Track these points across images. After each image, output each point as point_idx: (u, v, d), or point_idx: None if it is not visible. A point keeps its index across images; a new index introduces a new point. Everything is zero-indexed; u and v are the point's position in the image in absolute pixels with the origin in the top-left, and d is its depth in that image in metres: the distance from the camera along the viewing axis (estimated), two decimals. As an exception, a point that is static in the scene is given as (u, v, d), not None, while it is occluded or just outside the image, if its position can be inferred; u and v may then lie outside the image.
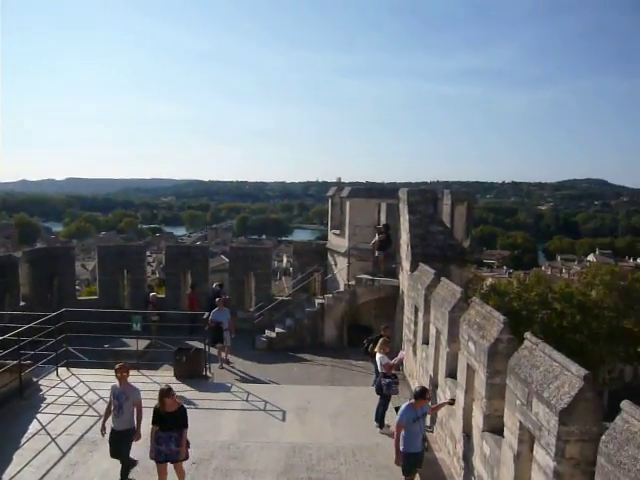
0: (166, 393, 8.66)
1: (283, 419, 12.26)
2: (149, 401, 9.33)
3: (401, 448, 8.88)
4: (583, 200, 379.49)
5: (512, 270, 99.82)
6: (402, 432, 8.86)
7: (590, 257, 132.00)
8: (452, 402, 10.02)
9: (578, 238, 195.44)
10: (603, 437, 4.96)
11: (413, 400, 8.98)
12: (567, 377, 5.86)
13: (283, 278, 59.07)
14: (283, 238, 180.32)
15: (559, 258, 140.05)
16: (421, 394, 9.02)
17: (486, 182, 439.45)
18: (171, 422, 8.66)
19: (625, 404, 4.89)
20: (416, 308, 14.55)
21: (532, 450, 6.45)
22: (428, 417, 10.78)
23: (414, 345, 15.00)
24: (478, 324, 9.02)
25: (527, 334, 7.28)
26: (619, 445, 4.68)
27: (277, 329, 20.06)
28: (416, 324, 14.64)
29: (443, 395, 11.28)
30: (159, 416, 8.68)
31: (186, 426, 8.81)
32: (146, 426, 8.99)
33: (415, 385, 14.45)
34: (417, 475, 9.31)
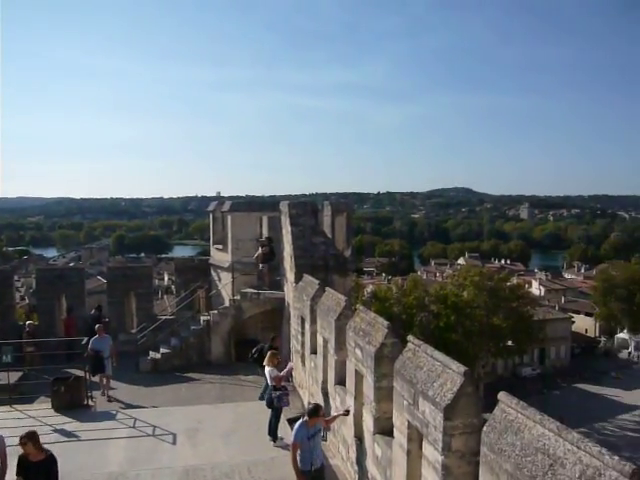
0: (28, 438, 7.44)
1: (174, 442, 11.83)
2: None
3: (300, 467, 8.86)
4: (451, 207, 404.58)
5: (391, 276, 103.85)
6: (298, 451, 8.82)
7: (460, 260, 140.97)
8: (347, 413, 10.06)
9: (449, 243, 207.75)
10: (484, 428, 5.29)
11: (307, 418, 8.99)
12: (449, 375, 6.20)
13: (165, 297, 57.27)
14: (163, 255, 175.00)
15: (433, 263, 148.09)
16: (314, 412, 9.03)
17: (363, 193, 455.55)
18: (36, 474, 7.45)
19: (502, 395, 5.25)
20: (302, 319, 14.68)
21: (421, 447, 6.72)
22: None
23: (302, 356, 15.12)
24: (364, 330, 9.28)
25: (410, 337, 7.61)
26: (499, 434, 5.02)
27: (162, 349, 19.36)
28: (303, 335, 14.77)
29: (334, 403, 11.45)
30: (23, 466, 7.51)
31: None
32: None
33: (306, 396, 14.58)
34: None
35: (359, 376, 9.49)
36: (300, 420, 9.14)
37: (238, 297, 19.49)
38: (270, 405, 11.92)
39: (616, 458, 3.83)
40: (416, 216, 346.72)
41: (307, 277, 15.03)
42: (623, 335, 77.64)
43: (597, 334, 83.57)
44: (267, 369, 12.15)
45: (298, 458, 8.83)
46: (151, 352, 19.26)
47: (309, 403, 10.42)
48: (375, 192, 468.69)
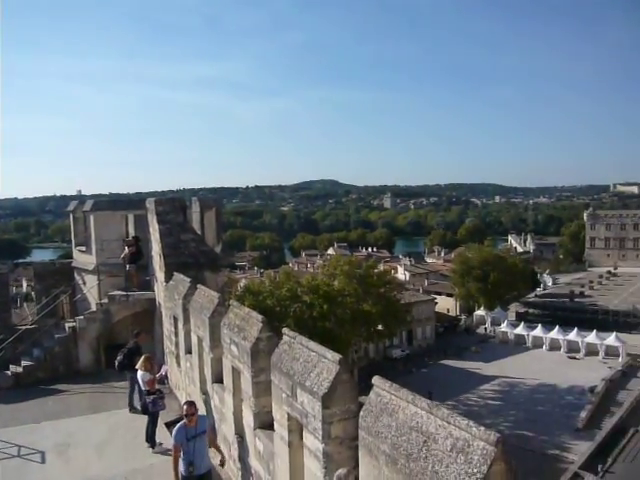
0: None
1: (43, 461, 11.00)
2: None
3: (181, 470, 8.55)
4: (319, 199, 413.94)
5: (263, 270, 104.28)
6: (180, 454, 8.53)
7: (330, 250, 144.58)
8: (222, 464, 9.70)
9: (318, 234, 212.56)
10: (361, 412, 5.42)
11: (185, 419, 8.72)
12: (324, 364, 6.29)
13: (25, 305, 52.97)
14: (20, 260, 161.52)
15: (303, 254, 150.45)
16: (189, 410, 8.77)
17: (231, 187, 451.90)
18: None
19: (376, 379, 5.41)
20: (175, 318, 14.25)
21: (302, 437, 6.78)
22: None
23: (177, 356, 14.67)
24: (238, 326, 9.17)
25: (285, 329, 7.63)
26: (375, 417, 5.17)
27: (24, 362, 17.85)
28: (177, 335, 14.34)
29: (213, 402, 11.24)
30: None
31: None
32: None
33: (183, 397, 14.17)
34: None
35: (236, 372, 9.38)
36: (182, 422, 8.86)
37: (105, 300, 18.48)
38: (145, 411, 11.47)
39: (482, 429, 4.08)
40: (285, 209, 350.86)
41: (178, 275, 14.59)
42: (480, 312, 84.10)
43: (458, 313, 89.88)
44: (139, 373, 11.66)
45: (180, 462, 8.55)
46: (11, 366, 17.72)
47: (184, 404, 10.08)
48: (244, 186, 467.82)
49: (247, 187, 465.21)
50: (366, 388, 5.69)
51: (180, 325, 13.67)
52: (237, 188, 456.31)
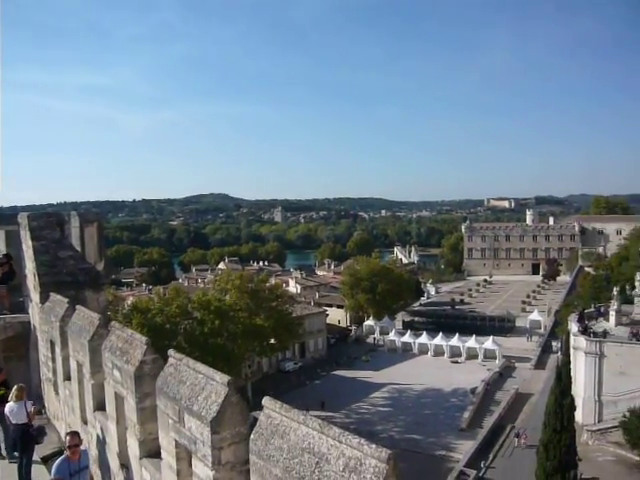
0: None
1: None
2: None
3: None
4: (209, 213, 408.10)
5: (151, 286, 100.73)
6: None
7: (221, 265, 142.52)
8: None
9: (208, 249, 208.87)
10: (252, 436, 5.23)
11: (67, 452, 8.02)
12: (213, 386, 6.03)
13: None
14: None
15: (194, 269, 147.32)
16: (72, 441, 8.11)
17: (117, 201, 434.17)
18: None
19: (266, 400, 5.24)
20: (52, 343, 13.25)
21: (191, 465, 6.45)
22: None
23: (55, 383, 13.66)
24: (121, 349, 8.65)
25: (170, 351, 7.27)
26: (266, 440, 5.00)
27: None
28: (54, 360, 13.34)
29: (94, 431, 10.51)
30: None
31: None
32: None
33: (62, 428, 13.21)
34: None
35: (120, 399, 8.81)
36: (63, 455, 8.13)
37: (-30, 326, 16.86)
38: (15, 448, 10.53)
39: (373, 446, 4.03)
40: (174, 223, 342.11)
41: (55, 296, 13.60)
42: (370, 322, 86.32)
43: (348, 324, 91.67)
44: (14, 406, 10.68)
45: None
46: None
47: (67, 434, 9.30)
48: (130, 200, 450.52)
49: (134, 201, 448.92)
50: (260, 403, 5.51)
51: (58, 350, 12.72)
52: (123, 202, 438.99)
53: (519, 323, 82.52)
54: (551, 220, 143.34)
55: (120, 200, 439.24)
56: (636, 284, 50.93)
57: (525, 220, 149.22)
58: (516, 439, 44.22)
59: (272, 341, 59.79)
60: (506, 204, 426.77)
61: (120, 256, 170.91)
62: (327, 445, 4.41)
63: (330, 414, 52.70)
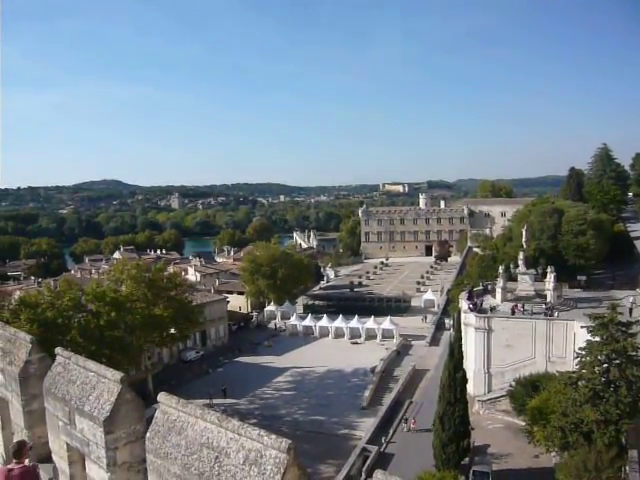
0: None
1: None
2: None
3: None
4: (102, 201, 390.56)
5: (41, 279, 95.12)
6: None
7: (116, 255, 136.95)
8: None
9: (102, 238, 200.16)
10: (147, 434, 5.04)
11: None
12: (105, 384, 5.75)
13: None
14: None
15: (87, 259, 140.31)
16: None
17: (0, 189, 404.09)
18: None
19: (161, 396, 5.07)
20: None
21: (85, 468, 6.14)
22: None
23: None
24: (3, 349, 8.05)
25: (58, 349, 6.85)
26: (163, 437, 4.83)
27: None
28: None
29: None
30: None
31: None
32: None
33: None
34: None
35: (4, 402, 8.23)
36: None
37: None
38: None
39: (273, 437, 4.01)
40: (64, 211, 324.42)
41: None
42: (271, 307, 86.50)
43: (249, 310, 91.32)
44: None
45: None
46: None
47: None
48: (15, 187, 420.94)
49: (19, 188, 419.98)
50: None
51: None
52: (7, 190, 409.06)
53: (414, 303, 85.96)
54: (442, 204, 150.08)
55: (3, 188, 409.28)
56: (519, 262, 54.51)
57: (419, 204, 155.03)
58: (404, 424, 45.09)
59: (172, 331, 58.35)
60: (400, 188, 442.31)
61: (5, 248, 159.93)
62: (226, 439, 4.33)
63: (234, 401, 52.42)
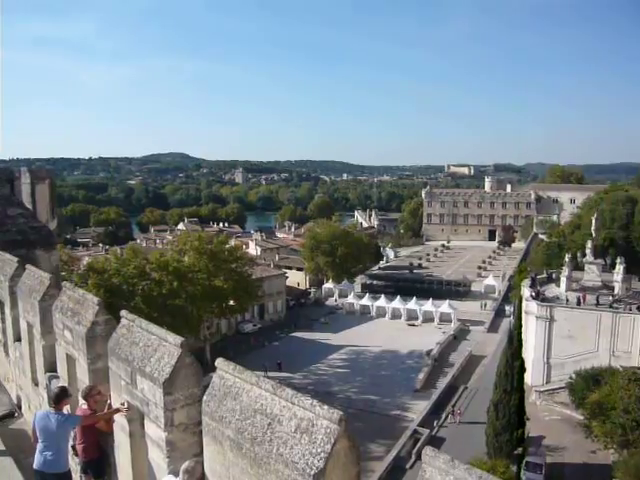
0: None
1: None
2: None
3: (34, 464, 7.41)
4: (169, 173, 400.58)
5: (108, 246, 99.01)
6: (37, 445, 7.36)
7: (180, 226, 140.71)
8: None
9: (167, 209, 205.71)
10: (204, 397, 5.18)
11: (52, 406, 7.44)
12: (166, 348, 5.93)
13: None
14: None
15: (152, 230, 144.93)
16: (62, 394, 7.52)
17: (73, 158, 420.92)
18: None
19: (219, 362, 5.19)
20: (1, 303, 12.88)
21: (144, 427, 6.38)
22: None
23: (5, 345, 13.33)
24: (72, 310, 8.43)
25: (123, 312, 7.11)
26: (219, 401, 4.96)
27: None
28: (4, 321, 12.99)
29: (45, 393, 10.32)
30: None
31: None
32: None
33: (14, 390, 12.97)
34: None
35: (71, 360, 8.63)
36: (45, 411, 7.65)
37: None
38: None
39: (325, 408, 4.03)
40: (133, 182, 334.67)
41: (3, 255, 13.16)
42: (329, 285, 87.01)
43: (308, 286, 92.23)
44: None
45: (37, 455, 7.35)
46: None
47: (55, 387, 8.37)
48: (87, 157, 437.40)
49: (90, 158, 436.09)
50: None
51: (7, 310, 12.38)
52: (79, 159, 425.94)
53: (475, 288, 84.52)
54: (508, 188, 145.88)
55: (76, 158, 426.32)
56: (587, 252, 52.54)
57: (484, 187, 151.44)
58: (451, 415, 44.07)
59: (231, 303, 59.72)
60: (466, 171, 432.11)
61: (76, 215, 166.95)
62: (279, 406, 4.40)
63: (288, 375, 53.33)
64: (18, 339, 12.00)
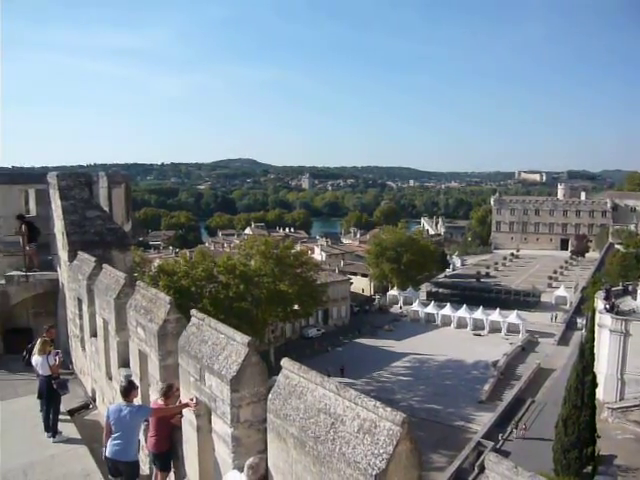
0: None
1: None
2: None
3: (106, 452, 7.87)
4: (237, 178, 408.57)
5: (178, 249, 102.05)
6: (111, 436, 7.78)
7: (247, 230, 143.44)
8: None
9: (235, 214, 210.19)
10: (270, 395, 5.31)
11: (124, 399, 7.89)
12: (233, 346, 6.12)
13: None
14: None
15: (220, 234, 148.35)
16: (130, 386, 7.98)
17: (146, 164, 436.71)
18: None
19: (285, 361, 5.31)
20: (79, 300, 13.55)
21: (211, 422, 6.59)
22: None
23: (82, 340, 14.00)
24: (145, 308, 8.80)
25: (193, 311, 7.37)
26: (284, 400, 5.07)
27: None
28: (81, 317, 13.66)
29: (118, 386, 10.79)
30: None
31: None
32: None
33: (89, 383, 13.61)
34: None
35: (143, 356, 9.01)
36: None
37: (3, 281, 17.29)
38: (41, 396, 10.87)
39: (389, 409, 4.06)
40: (202, 187, 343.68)
41: (82, 255, 13.85)
42: (393, 292, 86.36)
43: (372, 293, 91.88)
44: (39, 359, 10.99)
45: (108, 444, 7.78)
46: None
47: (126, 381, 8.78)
48: (159, 163, 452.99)
49: (162, 164, 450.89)
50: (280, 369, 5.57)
51: (85, 307, 13.02)
52: (152, 165, 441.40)
53: (545, 298, 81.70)
54: (583, 195, 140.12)
55: (149, 163, 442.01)
56: (667, 263, 49.89)
57: (556, 194, 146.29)
58: (515, 430, 42.32)
59: (296, 307, 60.28)
60: (537, 177, 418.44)
61: (148, 219, 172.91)
62: (343, 407, 4.45)
63: (350, 381, 53.19)
64: (94, 335, 12.60)
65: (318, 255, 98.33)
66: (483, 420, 44.55)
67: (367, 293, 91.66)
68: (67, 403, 11.77)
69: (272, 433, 5.26)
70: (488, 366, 56.89)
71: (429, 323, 74.76)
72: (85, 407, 12.95)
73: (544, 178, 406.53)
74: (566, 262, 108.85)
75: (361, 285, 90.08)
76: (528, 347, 63.59)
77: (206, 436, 6.86)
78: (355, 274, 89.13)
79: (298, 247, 78.71)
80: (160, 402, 7.75)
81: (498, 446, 40.14)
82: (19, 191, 18.59)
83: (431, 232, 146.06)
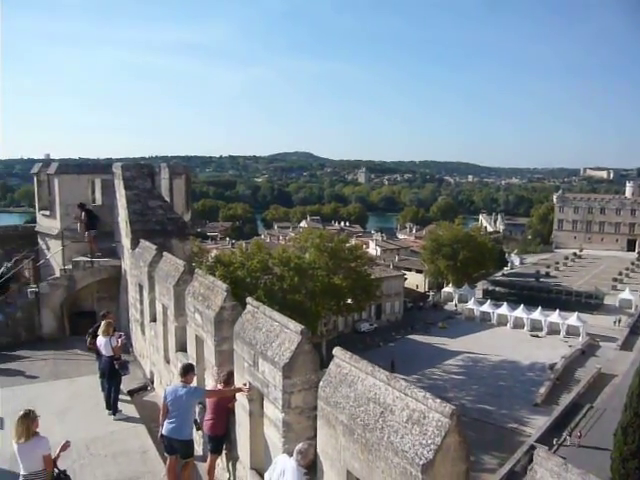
0: None
1: (1, 427, 10.79)
2: None
3: (162, 430, 8.17)
4: (293, 172, 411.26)
5: (235, 241, 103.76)
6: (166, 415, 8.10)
7: (302, 223, 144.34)
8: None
9: (291, 207, 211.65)
10: (321, 383, 5.42)
11: (181, 379, 8.13)
12: (287, 334, 6.26)
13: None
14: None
15: (276, 226, 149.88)
16: (189, 367, 8.29)
17: (205, 156, 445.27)
18: None
19: (336, 350, 5.40)
20: (140, 286, 14.07)
21: (263, 407, 6.77)
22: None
23: (142, 324, 14.55)
24: (203, 295, 9.08)
25: (249, 299, 7.56)
26: (334, 388, 5.17)
27: (-17, 327, 17.48)
28: (142, 302, 14.18)
29: (176, 369, 11.17)
30: None
31: None
32: None
33: (147, 365, 14.12)
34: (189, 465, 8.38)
35: (200, 341, 9.31)
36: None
37: (70, 266, 18.12)
38: (104, 375, 11.39)
39: (438, 401, 4.09)
40: (259, 180, 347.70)
41: (144, 243, 14.36)
42: (448, 289, 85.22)
43: (426, 289, 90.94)
44: (103, 340, 11.49)
45: (165, 423, 8.11)
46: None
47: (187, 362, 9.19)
48: (217, 156, 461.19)
49: (221, 157, 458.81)
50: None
51: (145, 293, 13.51)
52: (210, 157, 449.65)
53: (608, 301, 78.76)
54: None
55: (207, 156, 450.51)
56: None
57: (624, 193, 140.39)
58: (568, 437, 40.72)
59: (349, 301, 60.37)
60: (604, 174, 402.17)
61: (206, 210, 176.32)
62: (392, 396, 4.51)
63: (401, 376, 52.81)
64: (153, 319, 13.07)
65: (373, 250, 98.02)
66: (537, 423, 43.50)
67: (421, 289, 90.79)
68: (127, 384, 12.26)
69: (322, 420, 5.37)
70: (545, 368, 55.41)
71: (484, 322, 73.38)
72: (144, 388, 13.46)
73: (611, 175, 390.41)
74: (632, 264, 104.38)
75: (415, 281, 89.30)
76: (588, 351, 61.54)
77: (258, 420, 7.05)
78: (410, 270, 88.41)
79: (353, 241, 78.67)
80: (220, 387, 8.02)
81: (552, 451, 39.12)
82: (86, 181, 19.40)
83: (489, 229, 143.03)
